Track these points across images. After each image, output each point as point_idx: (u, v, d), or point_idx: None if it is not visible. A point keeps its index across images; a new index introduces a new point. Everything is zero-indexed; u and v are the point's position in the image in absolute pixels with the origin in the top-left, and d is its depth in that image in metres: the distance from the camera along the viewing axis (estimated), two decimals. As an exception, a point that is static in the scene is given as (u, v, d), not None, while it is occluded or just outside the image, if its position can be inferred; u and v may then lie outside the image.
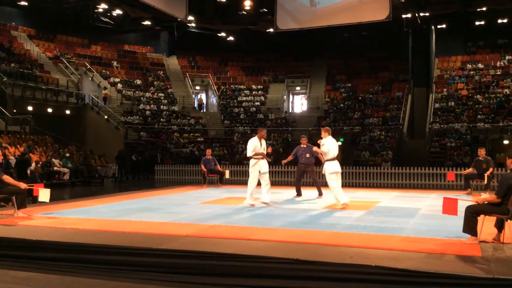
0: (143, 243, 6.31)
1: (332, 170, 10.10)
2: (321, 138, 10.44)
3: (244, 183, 18.90)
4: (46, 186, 10.00)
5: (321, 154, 10.45)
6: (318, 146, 10.46)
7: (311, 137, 30.34)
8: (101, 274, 5.60)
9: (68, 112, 27.87)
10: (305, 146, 12.57)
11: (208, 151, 17.70)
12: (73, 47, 34.03)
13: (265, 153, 10.53)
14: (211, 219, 8.60)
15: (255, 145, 10.32)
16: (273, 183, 18.95)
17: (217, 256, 5.60)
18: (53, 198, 10.79)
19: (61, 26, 33.06)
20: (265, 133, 10.88)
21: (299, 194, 12.66)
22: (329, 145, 10.16)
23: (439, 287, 4.74)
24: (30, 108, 25.55)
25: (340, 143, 29.13)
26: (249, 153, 10.37)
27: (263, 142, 10.54)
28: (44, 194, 9.39)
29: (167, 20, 31.04)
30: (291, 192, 13.73)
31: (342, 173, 18.81)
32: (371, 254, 5.72)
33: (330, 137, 10.35)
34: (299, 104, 37.60)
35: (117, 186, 19.23)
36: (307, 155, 12.44)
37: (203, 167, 16.80)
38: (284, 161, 13.34)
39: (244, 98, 35.32)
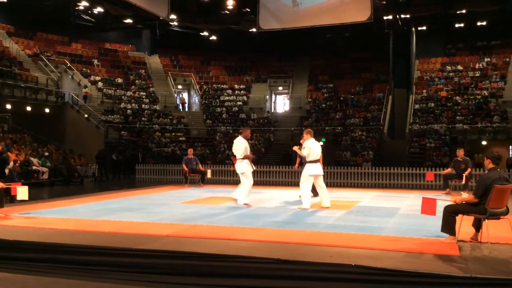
0: (122, 243, 6.26)
1: (310, 172, 10.12)
2: (303, 140, 10.45)
3: (226, 182, 19.01)
4: (24, 185, 9.85)
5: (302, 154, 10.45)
6: (300, 145, 10.46)
7: (293, 137, 30.66)
8: (79, 274, 5.52)
9: (47, 110, 27.46)
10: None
11: (190, 151, 17.62)
12: (53, 45, 33.54)
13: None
14: (192, 219, 8.57)
15: (246, 146, 10.36)
16: (257, 183, 19.00)
17: (197, 256, 5.57)
18: (32, 198, 10.65)
19: (41, 23, 32.51)
20: (250, 133, 10.88)
21: (314, 194, 12.53)
22: (310, 149, 10.14)
23: (418, 286, 4.79)
24: (8, 106, 25.10)
25: (322, 143, 29.41)
26: (241, 155, 10.32)
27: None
28: (22, 192, 9.27)
29: (149, 19, 30.81)
30: (274, 192, 13.75)
31: (323, 173, 18.98)
32: (351, 253, 5.76)
33: (313, 139, 10.36)
34: (281, 104, 37.67)
35: (97, 186, 19.03)
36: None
37: (184, 166, 16.72)
38: (296, 166, 13.23)
39: (227, 98, 35.26)
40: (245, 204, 10.30)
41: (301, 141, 12.47)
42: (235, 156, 10.71)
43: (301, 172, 12.93)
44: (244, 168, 10.33)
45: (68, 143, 26.07)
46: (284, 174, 19.46)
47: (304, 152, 10.18)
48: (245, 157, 10.37)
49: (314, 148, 10.18)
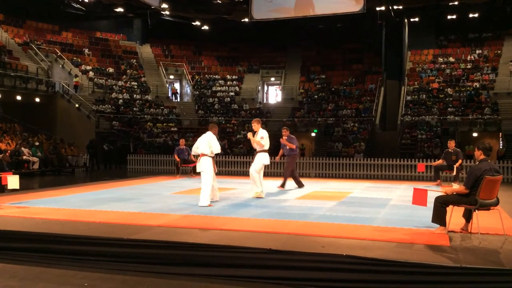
0: (114, 233, 6.23)
1: (265, 161, 10.06)
2: (253, 131, 10.21)
3: (218, 173, 18.89)
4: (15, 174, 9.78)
5: (257, 143, 10.17)
6: (253, 135, 10.22)
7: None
8: (70, 264, 5.51)
9: (37, 100, 27.21)
10: (286, 137, 12.17)
11: (182, 141, 17.57)
12: (43, 33, 33.16)
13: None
14: (184, 209, 8.56)
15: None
16: (248, 174, 19.01)
17: (189, 246, 5.57)
18: (22, 188, 10.59)
19: (31, 11, 32.14)
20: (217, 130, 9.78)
21: (300, 186, 12.45)
22: (267, 138, 10.09)
23: (408, 275, 4.82)
24: (-2, 95, 24.89)
25: (314, 134, 29.47)
26: (219, 149, 9.21)
27: None
28: (13, 181, 9.20)
29: (140, 7, 30.55)
30: (266, 182, 13.72)
31: (315, 164, 19.06)
32: (342, 243, 5.77)
33: (261, 128, 10.21)
34: (273, 94, 37.65)
35: (88, 176, 18.94)
36: (287, 147, 12.08)
37: (176, 157, 16.68)
38: (277, 158, 12.97)
39: (219, 88, 35.15)
40: (209, 205, 8.94)
41: (282, 132, 12.28)
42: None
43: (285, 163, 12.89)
44: (206, 166, 9.14)
45: (59, 133, 25.89)
46: (276, 165, 19.45)
47: (263, 142, 10.01)
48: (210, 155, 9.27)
49: (267, 138, 10.15)
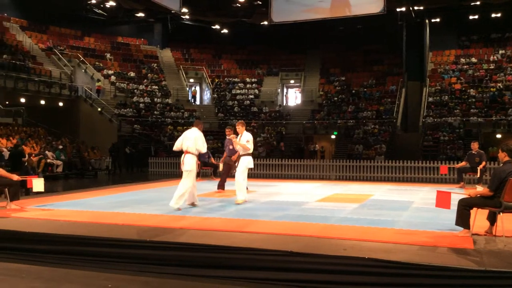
0: (136, 235, 6.30)
1: (249, 165, 9.81)
2: (236, 134, 10.04)
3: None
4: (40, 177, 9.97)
5: (241, 147, 9.86)
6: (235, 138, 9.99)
7: (304, 130, 30.58)
8: (94, 266, 5.58)
9: (61, 104, 27.69)
10: (228, 137, 11.50)
11: (202, 144, 17.60)
12: (66, 39, 33.76)
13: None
14: (205, 211, 8.60)
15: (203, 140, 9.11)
16: (269, 176, 19.02)
17: (210, 248, 5.59)
18: (46, 191, 10.77)
19: (54, 17, 32.77)
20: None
21: (221, 188, 11.91)
22: (251, 141, 9.90)
23: (431, 279, 4.77)
24: (22, 100, 25.36)
25: (334, 136, 29.35)
26: (205, 148, 9.10)
27: None
28: (38, 184, 9.37)
29: (161, 12, 30.90)
30: (286, 185, 13.71)
31: (335, 166, 18.99)
32: (364, 246, 5.74)
33: (245, 131, 9.99)
34: (293, 97, 37.58)
35: (111, 179, 19.18)
36: (230, 147, 11.57)
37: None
38: (234, 157, 11.70)
39: (238, 91, 35.26)
40: (178, 208, 8.65)
41: (226, 132, 11.80)
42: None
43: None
44: (193, 166, 8.93)
45: (81, 137, 26.31)
46: (296, 167, 19.44)
47: (248, 145, 9.78)
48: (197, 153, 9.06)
49: (251, 141, 9.94)
